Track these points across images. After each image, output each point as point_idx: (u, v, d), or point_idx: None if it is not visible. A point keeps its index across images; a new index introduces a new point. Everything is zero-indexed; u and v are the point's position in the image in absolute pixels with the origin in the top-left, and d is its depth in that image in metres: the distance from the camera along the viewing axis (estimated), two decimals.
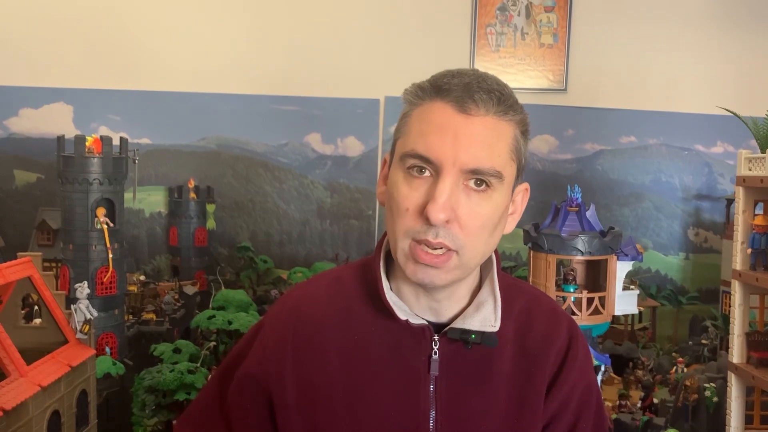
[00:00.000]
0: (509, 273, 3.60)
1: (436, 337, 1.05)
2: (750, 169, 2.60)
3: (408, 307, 1.06)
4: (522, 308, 1.12)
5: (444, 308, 1.07)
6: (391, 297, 1.05)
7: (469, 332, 1.04)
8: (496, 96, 0.98)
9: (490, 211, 0.98)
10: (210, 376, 1.19)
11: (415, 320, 1.05)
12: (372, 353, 1.05)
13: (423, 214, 0.95)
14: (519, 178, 1.05)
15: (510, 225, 1.07)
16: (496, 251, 1.11)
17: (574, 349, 1.11)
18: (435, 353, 1.04)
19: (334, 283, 1.13)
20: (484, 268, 1.11)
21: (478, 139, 0.96)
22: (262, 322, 1.16)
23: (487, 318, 1.05)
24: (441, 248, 0.96)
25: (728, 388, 2.72)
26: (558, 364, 1.10)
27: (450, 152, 0.95)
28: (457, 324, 1.05)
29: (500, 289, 1.08)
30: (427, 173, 0.96)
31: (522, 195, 1.09)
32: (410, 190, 0.97)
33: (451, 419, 1.04)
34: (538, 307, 1.14)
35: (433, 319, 1.07)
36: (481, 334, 1.04)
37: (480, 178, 0.96)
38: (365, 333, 1.06)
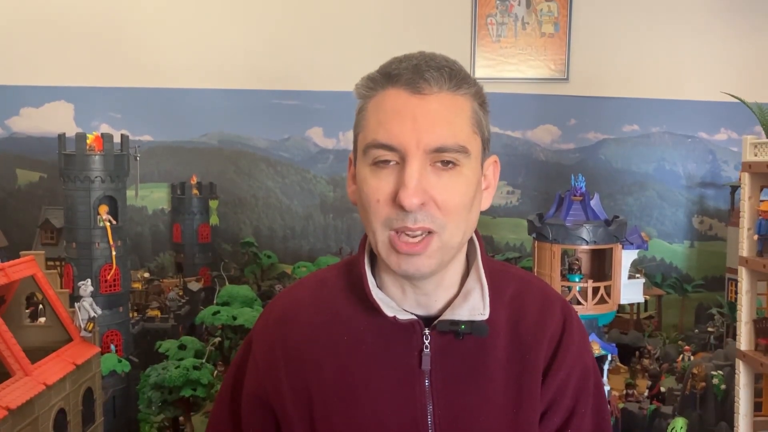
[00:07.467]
0: (514, 264, 3.59)
1: (426, 331, 1.03)
2: (756, 155, 2.58)
3: (395, 302, 1.04)
4: (513, 294, 1.09)
5: (432, 300, 1.05)
6: (377, 294, 1.03)
7: (458, 323, 1.02)
8: (446, 72, 0.97)
9: (463, 187, 0.97)
10: (217, 396, 1.17)
11: (402, 316, 1.03)
12: (363, 353, 1.03)
13: (396, 202, 0.94)
14: (486, 151, 1.03)
15: (486, 201, 1.06)
16: (478, 236, 1.09)
17: (569, 333, 1.09)
18: (426, 347, 1.02)
19: (319, 286, 1.11)
20: (470, 255, 1.08)
21: (437, 116, 0.95)
22: (251, 337, 1.13)
23: (475, 306, 1.03)
24: (420, 233, 0.95)
25: (736, 376, 2.71)
26: (552, 350, 1.07)
27: (412, 135, 0.93)
28: (446, 315, 1.03)
29: (487, 275, 1.06)
30: (393, 162, 0.95)
31: (492, 168, 1.07)
32: (378, 181, 0.96)
33: (449, 412, 1.02)
34: (529, 292, 1.11)
35: (422, 313, 1.05)
36: (471, 324, 1.02)
37: (446, 158, 0.95)
38: (355, 333, 1.04)
